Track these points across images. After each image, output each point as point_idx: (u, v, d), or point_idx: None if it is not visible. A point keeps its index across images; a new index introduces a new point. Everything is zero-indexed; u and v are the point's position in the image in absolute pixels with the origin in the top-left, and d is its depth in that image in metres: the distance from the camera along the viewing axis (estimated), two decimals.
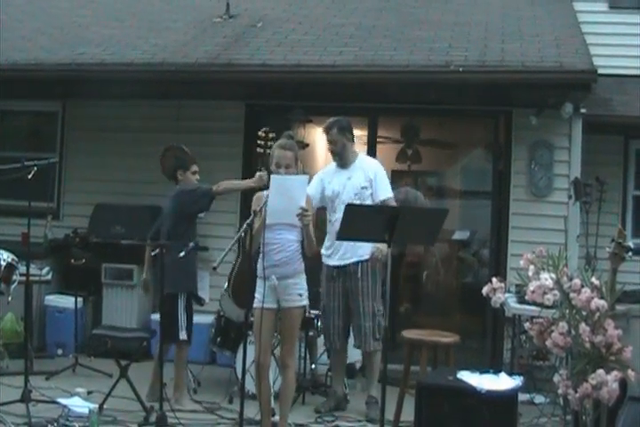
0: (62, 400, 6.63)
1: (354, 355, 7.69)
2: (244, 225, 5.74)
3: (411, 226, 5.41)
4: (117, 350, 7.27)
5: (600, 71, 8.05)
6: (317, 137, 11.87)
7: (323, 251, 7.29)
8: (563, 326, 4.84)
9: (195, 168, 7.57)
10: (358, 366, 7.89)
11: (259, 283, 6.05)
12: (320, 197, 7.28)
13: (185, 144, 9.36)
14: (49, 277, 8.71)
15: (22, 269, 6.33)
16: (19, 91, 9.95)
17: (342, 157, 7.35)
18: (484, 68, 8.25)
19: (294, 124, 10.20)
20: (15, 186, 8.90)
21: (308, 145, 10.85)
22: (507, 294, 5.76)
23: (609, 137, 9.21)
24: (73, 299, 8.59)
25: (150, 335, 7.40)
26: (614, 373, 4.60)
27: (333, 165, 7.54)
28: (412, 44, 9.02)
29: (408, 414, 5.69)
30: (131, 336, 7.50)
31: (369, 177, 7.20)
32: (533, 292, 4.99)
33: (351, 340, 7.31)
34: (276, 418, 6.22)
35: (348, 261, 7.14)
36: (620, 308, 5.31)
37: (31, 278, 7.16)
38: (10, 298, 6.00)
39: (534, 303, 5.15)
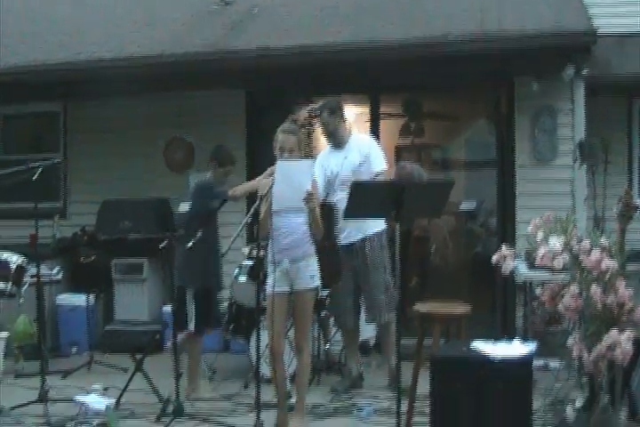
0: (79, 398, 6.59)
1: (366, 332, 7.67)
2: (251, 210, 5.72)
3: (417, 200, 5.36)
4: (131, 344, 7.24)
5: (600, 31, 7.89)
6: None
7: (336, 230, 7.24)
8: (574, 288, 4.79)
9: (229, 168, 7.46)
10: (372, 343, 7.84)
11: (269, 268, 6.01)
12: (325, 183, 7.23)
13: (188, 134, 9.42)
14: (59, 276, 8.72)
15: (32, 270, 6.29)
16: (19, 94, 9.97)
17: (336, 138, 7.35)
18: (483, 37, 8.14)
19: (296, 108, 10.16)
20: (21, 188, 8.94)
21: (311, 126, 10.81)
22: (516, 261, 5.69)
23: (612, 98, 9.07)
24: (84, 297, 8.62)
25: (163, 328, 7.37)
26: (627, 333, 4.55)
27: (327, 148, 7.57)
28: (409, 19, 8.94)
29: (423, 387, 5.64)
30: (143, 330, 7.50)
31: (364, 153, 7.21)
32: (543, 257, 4.94)
33: (362, 318, 7.28)
34: (293, 401, 6.19)
35: (354, 239, 7.15)
36: (630, 268, 5.21)
37: (42, 279, 7.17)
38: (21, 300, 5.98)
39: (544, 268, 5.09)
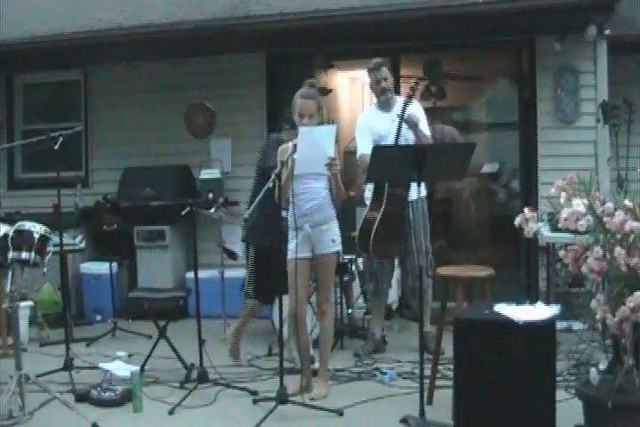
0: (104, 365, 6.67)
1: (390, 296, 7.66)
2: (272, 176, 5.70)
3: (439, 163, 5.31)
4: (155, 310, 7.26)
5: None
6: (340, 82, 11.78)
7: (368, 195, 7.15)
8: (597, 250, 4.75)
9: None
10: (395, 306, 7.84)
11: (291, 234, 6.02)
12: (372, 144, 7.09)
13: (209, 100, 9.39)
14: (82, 245, 8.74)
15: (55, 239, 6.31)
16: (39, 62, 10.07)
17: (388, 98, 7.23)
18: None
19: (316, 71, 10.11)
20: (43, 157, 8.98)
21: (331, 90, 10.76)
22: (539, 223, 5.65)
23: (635, 57, 8.89)
24: (107, 265, 8.64)
25: (186, 294, 7.39)
26: None
27: (371, 108, 7.49)
28: None
29: (447, 350, 5.73)
30: (167, 296, 7.49)
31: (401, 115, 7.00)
32: (566, 219, 4.91)
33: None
34: (316, 365, 6.23)
35: None
36: None
37: (65, 248, 7.25)
38: (45, 269, 5.99)
39: (567, 230, 5.05)
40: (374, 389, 6.16)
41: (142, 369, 6.49)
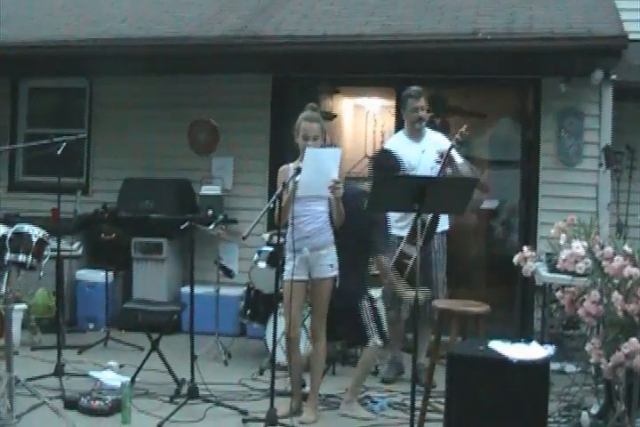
0: (95, 374, 6.71)
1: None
2: (274, 197, 5.75)
3: (440, 195, 5.32)
4: (148, 323, 7.27)
5: (631, 37, 7.85)
6: (345, 108, 11.86)
7: (395, 222, 7.10)
8: (595, 294, 4.81)
9: None
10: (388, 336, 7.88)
11: (288, 256, 6.05)
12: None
13: (213, 118, 9.44)
14: (79, 252, 8.75)
15: (53, 244, 6.34)
16: (46, 68, 10.06)
17: (421, 128, 7.31)
18: (511, 35, 8.08)
19: (322, 96, 10.17)
20: (45, 162, 9.00)
21: (335, 116, 10.83)
22: (537, 263, 5.72)
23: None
24: (103, 273, 8.67)
25: (181, 309, 7.42)
26: None
27: (401, 137, 7.47)
28: (438, 13, 8.86)
29: (439, 383, 5.73)
30: (161, 310, 7.50)
31: (441, 151, 7.07)
32: (565, 260, 4.97)
33: None
34: (307, 389, 6.26)
35: None
36: None
37: (62, 253, 7.30)
38: (41, 273, 6.01)
39: (566, 272, 5.12)
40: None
41: (133, 381, 6.53)
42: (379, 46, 8.36)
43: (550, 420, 5.43)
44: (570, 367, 6.76)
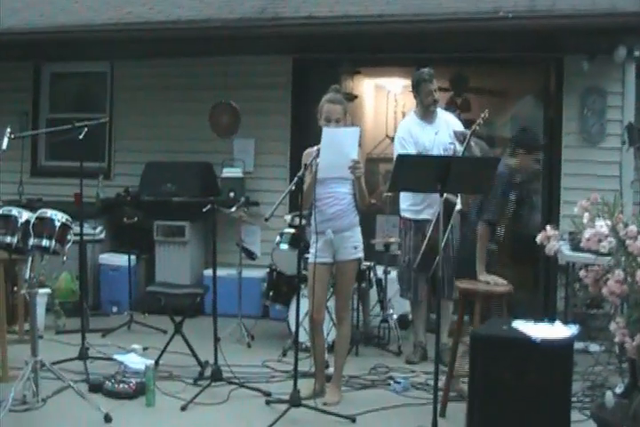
0: (119, 357, 6.75)
1: (406, 306, 7.72)
2: (295, 178, 5.72)
3: (463, 176, 5.29)
4: (171, 306, 7.29)
5: None
6: (366, 89, 11.81)
7: (411, 206, 7.24)
8: (619, 273, 4.76)
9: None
10: (410, 317, 7.88)
11: (313, 238, 6.03)
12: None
13: (234, 99, 9.43)
14: (102, 236, 8.82)
15: (76, 229, 6.36)
16: (68, 53, 10.09)
17: (434, 110, 7.30)
18: (534, 13, 8.01)
19: (342, 77, 10.13)
20: (67, 147, 9.03)
21: (356, 97, 10.79)
22: (560, 242, 5.68)
23: None
24: (126, 257, 8.70)
25: (204, 291, 7.43)
26: None
27: (413, 118, 7.43)
28: None
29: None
30: (184, 293, 7.52)
31: (456, 132, 7.12)
32: (589, 239, 4.92)
33: None
34: (330, 370, 6.26)
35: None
36: None
37: (85, 238, 7.28)
38: (65, 258, 6.03)
39: (589, 251, 5.07)
40: (387, 397, 6.18)
41: (157, 363, 6.57)
42: (399, 26, 8.32)
43: (574, 400, 5.45)
44: (594, 347, 6.72)
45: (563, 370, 4.62)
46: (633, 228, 4.81)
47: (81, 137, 6.73)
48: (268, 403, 5.94)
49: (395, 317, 7.93)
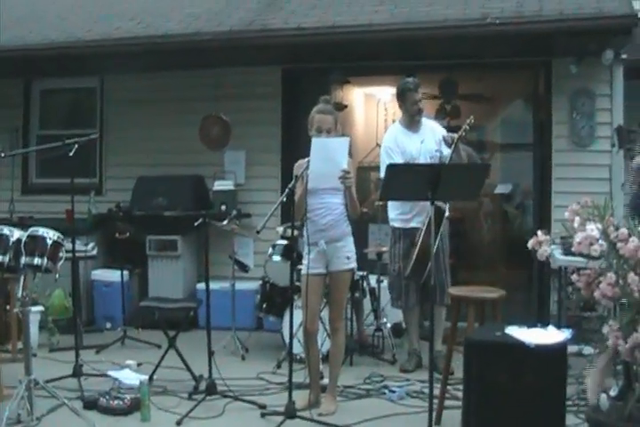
0: (113, 373, 6.74)
1: (400, 315, 7.70)
2: (287, 190, 5.71)
3: (453, 183, 5.32)
4: (165, 320, 7.28)
5: None
6: (355, 98, 11.82)
7: (400, 215, 7.25)
8: (611, 276, 4.74)
9: None
10: (404, 325, 7.86)
11: (305, 249, 6.02)
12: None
13: (224, 112, 9.43)
14: (94, 252, 8.78)
15: (68, 245, 6.34)
16: (57, 69, 10.09)
17: (418, 119, 7.32)
18: (521, 18, 8.01)
19: (332, 86, 10.14)
20: (57, 164, 9.03)
21: (346, 106, 10.79)
22: (552, 246, 5.67)
23: None
24: (119, 272, 8.69)
25: (197, 305, 7.41)
26: None
27: (398, 128, 7.44)
28: None
29: (457, 370, 5.76)
30: (178, 307, 7.47)
31: (437, 139, 7.14)
32: (580, 243, 4.89)
33: None
34: (325, 381, 6.24)
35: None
36: None
37: (77, 254, 7.25)
38: (57, 275, 6.03)
39: (581, 254, 5.05)
40: (383, 407, 6.16)
41: (151, 378, 6.53)
42: (388, 35, 8.32)
43: (569, 403, 5.46)
44: (588, 350, 6.72)
45: (557, 374, 4.61)
46: (624, 230, 4.79)
47: (71, 154, 6.71)
48: (263, 415, 5.90)
49: (388, 325, 7.91)
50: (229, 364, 7.09)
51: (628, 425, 4.55)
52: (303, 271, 6.01)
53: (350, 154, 5.92)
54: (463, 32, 8.13)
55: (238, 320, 7.98)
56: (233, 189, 9.23)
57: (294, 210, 5.86)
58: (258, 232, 5.67)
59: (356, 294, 7.60)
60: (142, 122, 9.96)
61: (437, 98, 10.98)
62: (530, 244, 5.21)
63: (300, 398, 5.91)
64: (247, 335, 8.14)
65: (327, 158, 5.64)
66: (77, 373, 6.68)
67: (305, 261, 6.01)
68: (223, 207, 8.81)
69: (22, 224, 7.44)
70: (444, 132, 7.27)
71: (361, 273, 7.60)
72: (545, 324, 5.00)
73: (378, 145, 10.92)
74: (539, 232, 5.23)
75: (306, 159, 5.80)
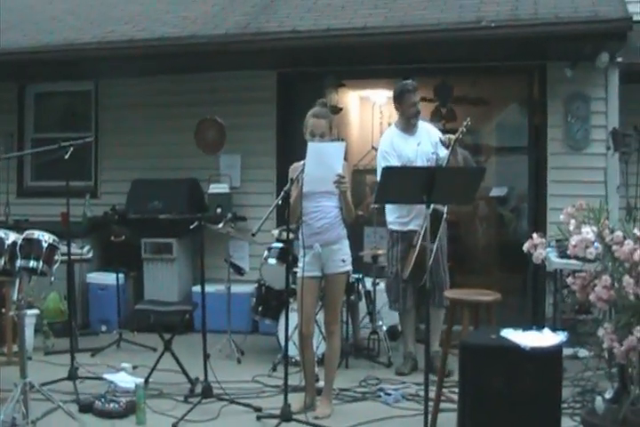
0: (108, 376, 6.72)
1: (396, 318, 7.70)
2: (282, 193, 5.71)
3: (448, 186, 5.31)
4: (160, 323, 7.27)
5: (635, 18, 7.79)
6: (351, 101, 11.82)
7: (398, 219, 7.26)
8: (606, 279, 4.73)
9: None
10: (400, 328, 7.87)
11: (301, 252, 6.02)
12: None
13: (219, 115, 9.43)
14: (90, 255, 8.75)
15: (63, 249, 6.34)
16: (52, 72, 10.09)
17: (415, 122, 7.33)
18: (516, 22, 8.03)
19: (327, 90, 10.14)
20: (53, 167, 9.02)
21: (341, 109, 10.79)
22: (547, 249, 5.67)
23: None
24: (114, 275, 8.69)
25: (192, 308, 7.40)
26: None
27: (394, 131, 7.45)
28: (442, 3, 8.80)
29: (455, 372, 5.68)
30: (173, 310, 7.47)
31: (433, 141, 7.19)
32: (575, 246, 4.88)
33: None
34: (321, 384, 6.24)
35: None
36: None
37: (72, 257, 7.26)
38: (52, 278, 6.02)
39: (576, 257, 5.05)
40: (378, 409, 6.16)
41: (146, 382, 6.53)
42: (383, 38, 8.34)
43: (564, 405, 5.47)
44: (583, 352, 6.75)
45: (552, 377, 4.60)
46: (619, 233, 4.79)
47: (67, 156, 6.70)
48: (259, 418, 5.89)
49: (384, 328, 7.91)
50: (225, 367, 7.11)
51: None
52: (299, 274, 6.02)
53: (345, 158, 5.92)
54: (458, 36, 8.13)
55: (234, 323, 7.98)
56: (228, 192, 9.24)
57: (289, 213, 5.86)
58: (253, 235, 5.66)
59: (352, 297, 7.62)
60: (138, 125, 9.95)
61: (432, 101, 10.98)
62: (525, 247, 5.20)
63: (296, 401, 5.93)
64: (243, 338, 8.14)
65: (322, 163, 5.65)
66: (73, 376, 6.65)
67: (300, 264, 6.01)
68: (218, 210, 8.84)
69: (18, 227, 7.41)
70: (439, 134, 7.30)
71: (357, 276, 7.62)
72: (540, 327, 5.00)
73: (373, 148, 10.95)
74: (534, 235, 5.22)
75: (301, 162, 5.81)
